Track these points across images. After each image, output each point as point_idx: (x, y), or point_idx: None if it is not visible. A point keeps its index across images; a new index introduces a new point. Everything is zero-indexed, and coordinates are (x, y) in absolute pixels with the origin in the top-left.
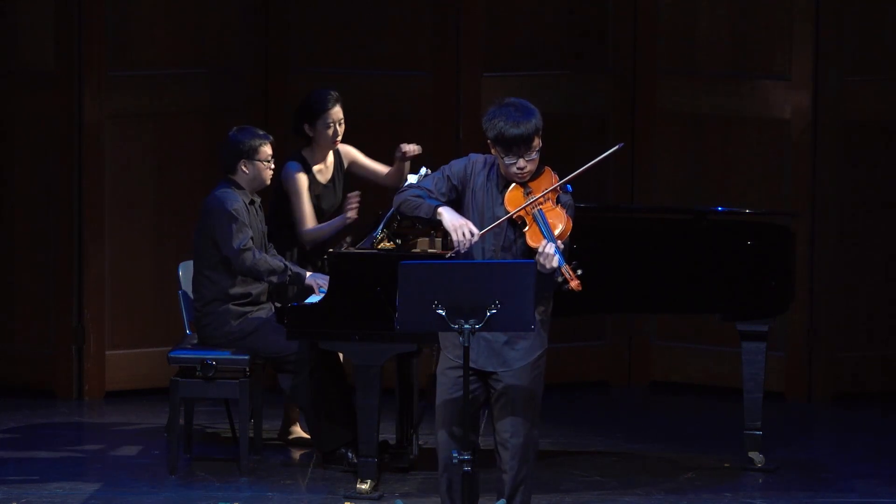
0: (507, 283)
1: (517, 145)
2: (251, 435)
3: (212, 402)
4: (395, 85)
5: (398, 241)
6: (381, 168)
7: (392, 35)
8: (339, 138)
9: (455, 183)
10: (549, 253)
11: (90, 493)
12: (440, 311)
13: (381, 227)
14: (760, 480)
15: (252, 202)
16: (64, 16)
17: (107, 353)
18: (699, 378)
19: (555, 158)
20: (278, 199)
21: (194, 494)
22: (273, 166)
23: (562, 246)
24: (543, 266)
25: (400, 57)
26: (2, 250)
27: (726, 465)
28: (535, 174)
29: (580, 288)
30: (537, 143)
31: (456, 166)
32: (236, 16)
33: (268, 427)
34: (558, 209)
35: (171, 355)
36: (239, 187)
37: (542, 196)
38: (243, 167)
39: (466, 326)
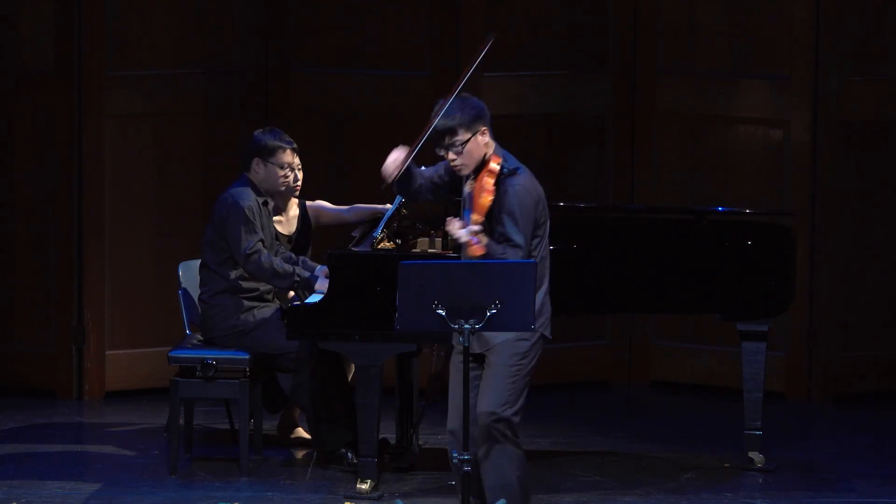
0: (507, 283)
1: (437, 137)
2: (251, 435)
3: (212, 402)
4: (395, 85)
5: (398, 241)
6: (344, 210)
7: (392, 35)
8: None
9: (444, 174)
10: (451, 226)
11: (90, 493)
12: (440, 311)
13: (381, 227)
14: (760, 480)
15: (266, 203)
16: (64, 16)
17: (107, 353)
18: (699, 378)
19: (555, 159)
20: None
21: (194, 494)
22: (289, 174)
23: (477, 218)
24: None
25: (400, 57)
26: (2, 250)
27: (726, 465)
28: (481, 166)
29: (478, 252)
30: (462, 137)
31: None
32: (236, 16)
33: (268, 427)
34: (485, 190)
35: (171, 355)
36: (254, 185)
37: (478, 184)
38: (256, 166)
39: (466, 326)
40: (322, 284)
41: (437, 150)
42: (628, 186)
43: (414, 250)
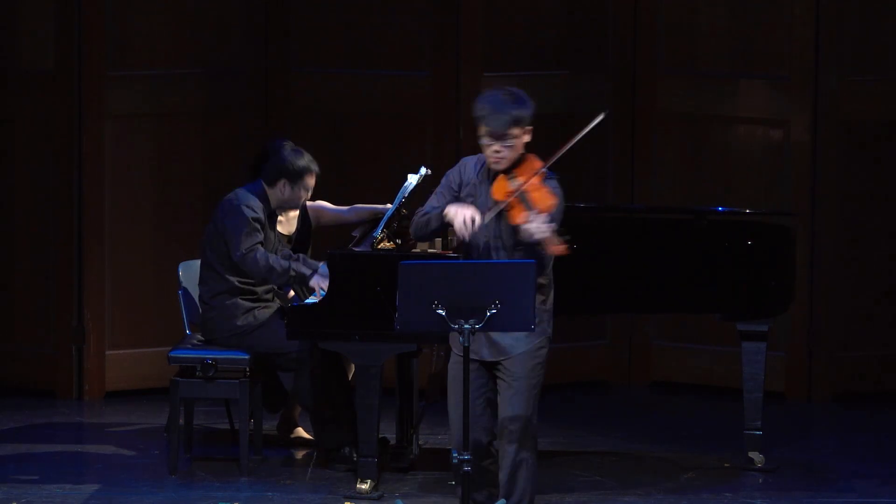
0: (507, 283)
1: (494, 129)
2: (251, 435)
3: (212, 401)
4: (395, 85)
5: (398, 241)
6: (344, 210)
7: (392, 35)
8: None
9: (455, 188)
10: (533, 224)
11: (90, 493)
12: (440, 311)
13: (381, 227)
14: (760, 480)
15: (272, 214)
16: (64, 16)
17: (107, 353)
18: (699, 378)
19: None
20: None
21: (194, 494)
22: (308, 196)
23: (546, 217)
24: (526, 236)
25: (400, 57)
26: (2, 250)
27: (726, 465)
28: (519, 161)
29: (566, 251)
30: (517, 133)
31: (451, 173)
32: (236, 16)
33: (268, 427)
34: (543, 188)
35: (171, 355)
36: (265, 195)
37: (527, 181)
38: (283, 186)
39: (466, 326)
40: (316, 282)
41: (488, 139)
42: (628, 186)
43: (414, 250)
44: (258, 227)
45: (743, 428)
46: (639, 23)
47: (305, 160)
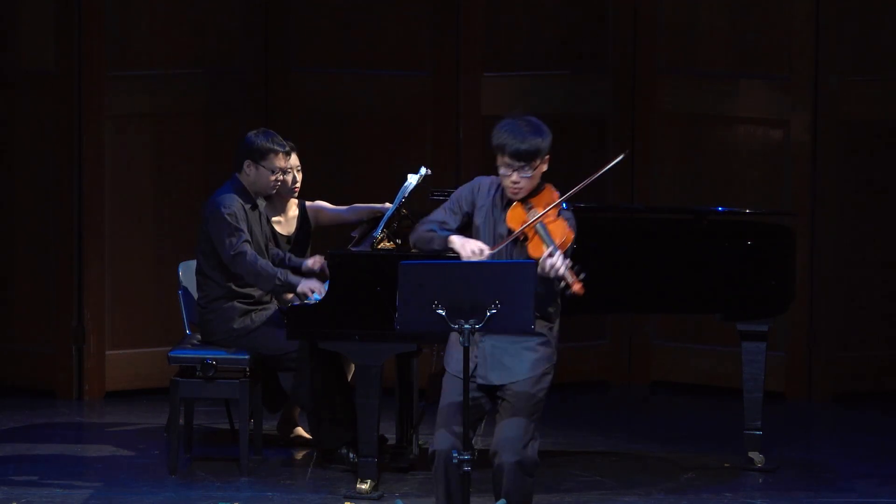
0: (507, 283)
1: (515, 159)
2: (251, 435)
3: (212, 401)
4: (395, 85)
5: (398, 241)
6: (344, 210)
7: (392, 35)
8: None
9: (465, 206)
10: (554, 259)
11: (90, 493)
12: (440, 311)
13: (381, 227)
14: (760, 480)
15: (254, 207)
16: (64, 16)
17: (107, 353)
18: (699, 378)
19: (555, 159)
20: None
21: (194, 494)
22: (281, 177)
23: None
24: (547, 272)
25: (400, 57)
26: (2, 250)
27: (726, 465)
28: (536, 191)
29: (583, 291)
30: (537, 163)
31: (463, 191)
32: (236, 16)
33: (268, 427)
34: (559, 221)
35: (171, 355)
36: (243, 188)
37: (544, 213)
38: (247, 168)
39: (466, 326)
40: (305, 286)
41: (507, 169)
42: (628, 186)
43: (414, 250)
44: (238, 223)
45: (743, 428)
46: (639, 23)
47: (267, 139)
